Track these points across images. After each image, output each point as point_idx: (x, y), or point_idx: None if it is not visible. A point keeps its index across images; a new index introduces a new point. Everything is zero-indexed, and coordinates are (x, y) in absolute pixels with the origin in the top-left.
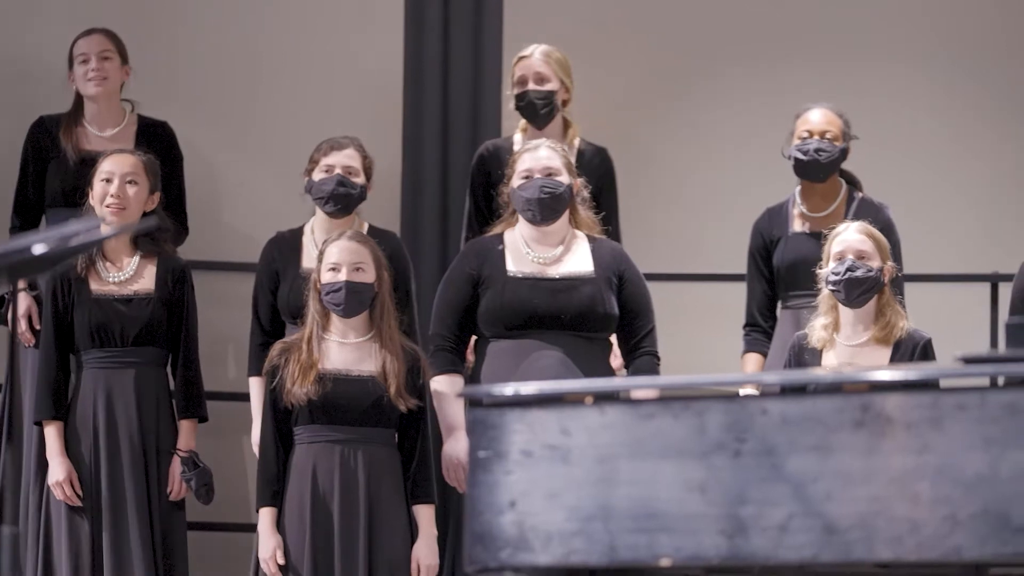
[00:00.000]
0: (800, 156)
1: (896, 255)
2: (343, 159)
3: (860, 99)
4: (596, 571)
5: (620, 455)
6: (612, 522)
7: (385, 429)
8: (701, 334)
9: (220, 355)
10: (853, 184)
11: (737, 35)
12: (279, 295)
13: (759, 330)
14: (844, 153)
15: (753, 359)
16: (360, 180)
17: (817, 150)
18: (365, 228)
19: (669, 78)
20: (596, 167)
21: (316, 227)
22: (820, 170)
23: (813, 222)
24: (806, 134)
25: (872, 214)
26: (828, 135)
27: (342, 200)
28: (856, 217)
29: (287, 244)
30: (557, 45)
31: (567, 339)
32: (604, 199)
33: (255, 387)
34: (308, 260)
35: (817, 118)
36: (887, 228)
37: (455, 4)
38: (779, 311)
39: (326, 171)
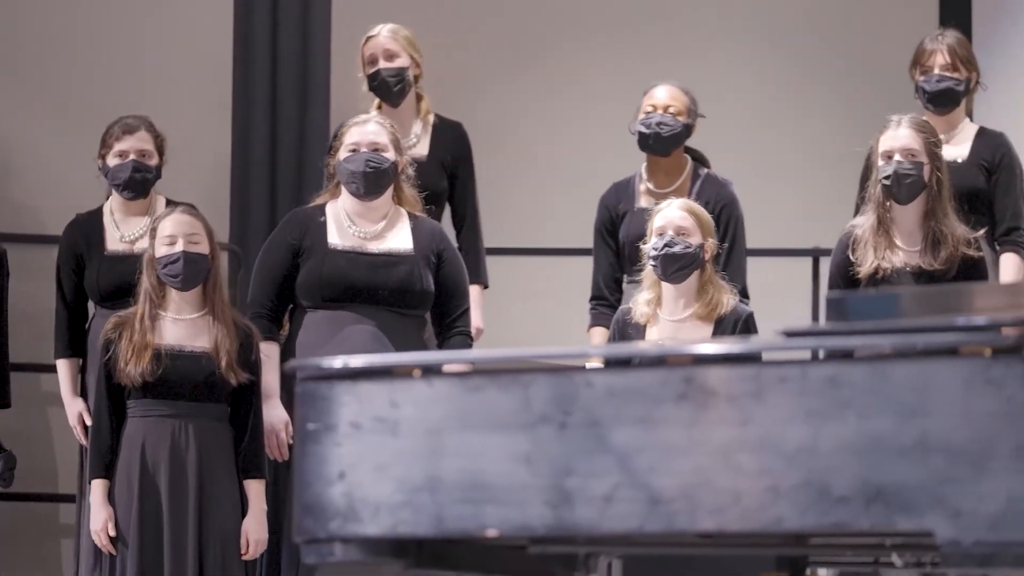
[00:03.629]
0: (643, 130)
1: (738, 230)
2: (136, 143)
3: (692, 78)
4: (424, 542)
5: (448, 427)
6: (440, 494)
7: (217, 404)
8: (550, 307)
9: (17, 328)
10: (700, 161)
11: (578, 12)
12: (86, 279)
13: (605, 304)
14: (688, 129)
15: (599, 333)
16: (154, 162)
17: (659, 123)
18: (163, 203)
19: (511, 55)
20: (452, 142)
21: (115, 208)
22: (661, 143)
23: (659, 197)
24: (650, 108)
25: (716, 190)
26: (671, 110)
27: (139, 186)
28: (700, 192)
29: (88, 226)
30: (385, 23)
31: (382, 314)
32: (460, 172)
33: (63, 370)
34: (111, 241)
35: (661, 94)
36: (731, 204)
37: None
38: (625, 285)
39: (120, 156)
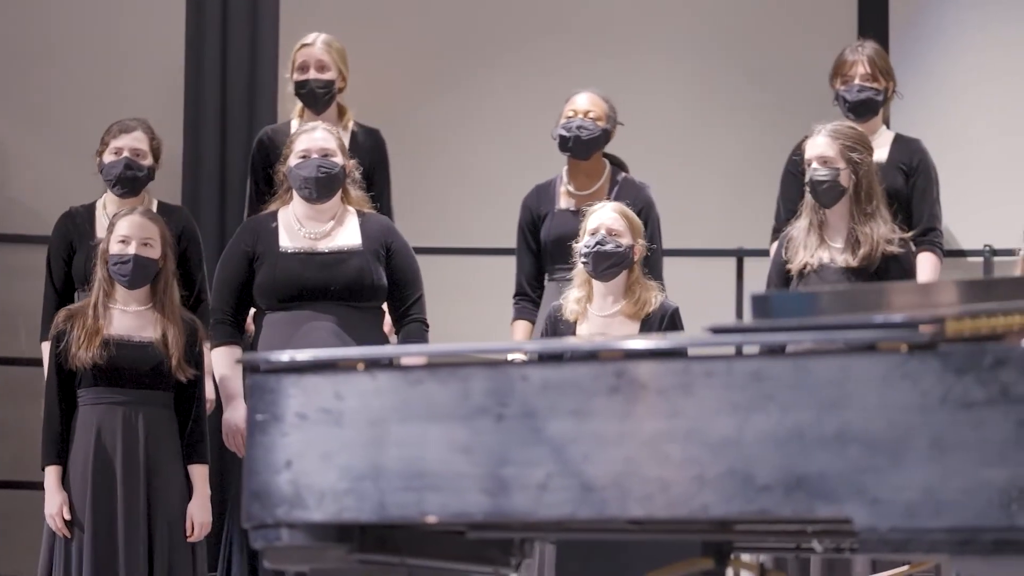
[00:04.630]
0: (563, 133)
1: (656, 231)
2: (131, 141)
3: (619, 84)
4: (367, 527)
5: (390, 418)
6: (382, 481)
7: (164, 392)
8: (476, 304)
9: (11, 324)
10: (618, 166)
11: (509, 24)
12: (74, 264)
13: (528, 299)
14: (606, 134)
15: (521, 326)
16: (148, 162)
17: (579, 127)
18: (155, 204)
19: (445, 65)
20: (369, 147)
21: (108, 202)
22: (581, 147)
23: (578, 199)
24: (571, 113)
25: (634, 193)
26: (591, 115)
27: (129, 183)
28: (619, 195)
29: (81, 217)
30: (332, 34)
31: (339, 309)
32: (376, 177)
33: (48, 351)
34: (101, 232)
35: (582, 100)
36: (648, 206)
37: None
38: (546, 282)
39: (115, 153)
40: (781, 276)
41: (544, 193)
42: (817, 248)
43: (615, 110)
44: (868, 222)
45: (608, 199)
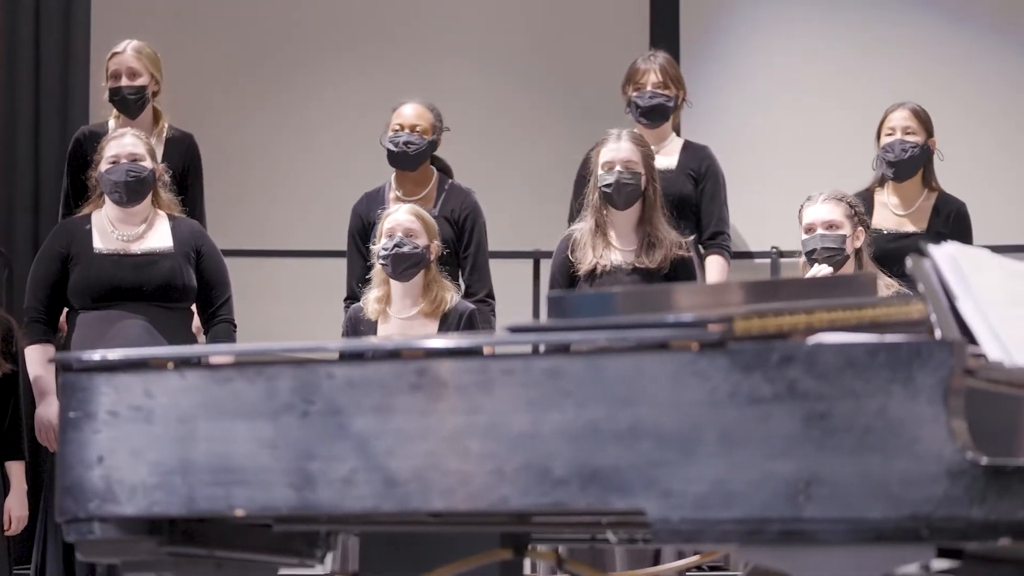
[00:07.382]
0: (392, 148)
1: (482, 236)
2: None
3: (424, 88)
4: (176, 521)
5: (199, 415)
6: (191, 476)
7: None
8: (298, 306)
9: None
10: (445, 172)
11: (327, 30)
12: None
13: (357, 301)
14: (432, 145)
15: None
16: None
17: (406, 143)
18: None
19: (265, 70)
20: (183, 151)
21: None
22: (408, 160)
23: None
24: (398, 127)
25: (460, 199)
26: (418, 129)
27: None
28: (446, 201)
29: None
30: (145, 38)
31: (150, 309)
32: (190, 180)
33: None
34: None
35: (409, 113)
36: (474, 211)
37: None
38: None
39: None
40: (566, 276)
41: (373, 200)
42: (604, 249)
43: (440, 117)
44: (660, 226)
45: (436, 205)
